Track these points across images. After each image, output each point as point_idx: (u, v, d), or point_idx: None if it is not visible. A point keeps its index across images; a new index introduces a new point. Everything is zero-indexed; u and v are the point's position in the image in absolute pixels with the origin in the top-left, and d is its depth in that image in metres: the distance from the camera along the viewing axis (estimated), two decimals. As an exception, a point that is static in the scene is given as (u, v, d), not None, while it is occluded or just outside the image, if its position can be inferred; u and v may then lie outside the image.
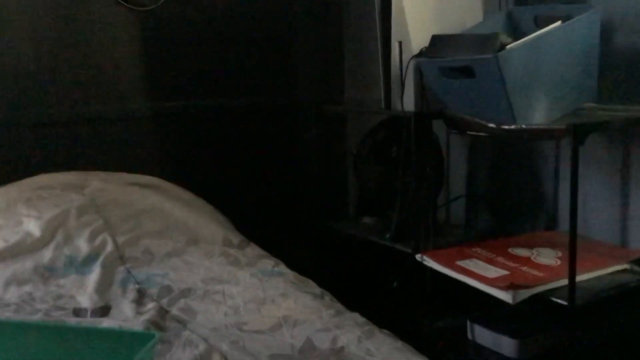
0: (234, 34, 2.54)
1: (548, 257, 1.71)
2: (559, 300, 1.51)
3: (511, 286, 1.51)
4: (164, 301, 1.57)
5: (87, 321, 1.45)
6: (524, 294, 1.50)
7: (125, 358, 0.89)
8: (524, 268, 1.64)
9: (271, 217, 2.57)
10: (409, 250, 1.84)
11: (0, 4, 2.14)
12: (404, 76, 1.78)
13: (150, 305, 1.54)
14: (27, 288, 1.61)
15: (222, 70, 2.52)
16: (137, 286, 1.64)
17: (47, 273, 1.67)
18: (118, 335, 1.01)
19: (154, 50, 2.41)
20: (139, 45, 2.38)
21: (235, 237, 2.03)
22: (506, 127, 1.53)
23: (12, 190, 2.02)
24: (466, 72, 1.53)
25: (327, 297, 1.62)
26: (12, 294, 1.58)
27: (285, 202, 2.65)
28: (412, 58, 1.75)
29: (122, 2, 2.31)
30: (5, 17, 2.16)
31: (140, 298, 1.58)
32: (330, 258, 2.26)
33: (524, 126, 1.52)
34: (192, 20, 2.46)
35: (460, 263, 1.67)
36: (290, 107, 2.66)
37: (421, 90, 1.75)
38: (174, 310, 1.52)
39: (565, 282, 1.50)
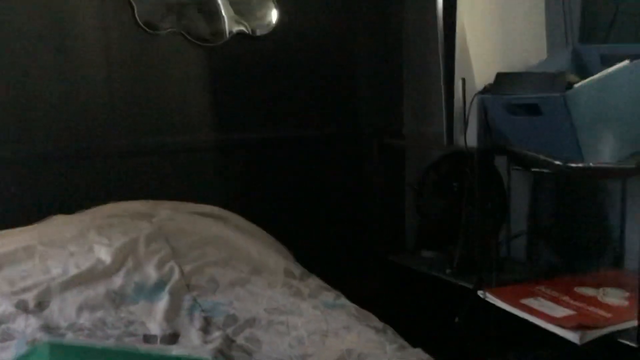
0: (296, 69, 2.60)
1: (615, 297, 1.68)
2: (627, 342, 1.48)
3: (579, 326, 1.49)
4: (230, 330, 1.60)
5: (157, 348, 1.49)
6: (592, 334, 1.48)
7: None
8: (591, 308, 1.61)
9: (330, 248, 2.59)
10: (471, 286, 1.83)
11: (76, 41, 2.26)
12: (467, 112, 1.80)
13: (217, 333, 1.57)
14: (99, 314, 1.66)
15: (284, 103, 2.58)
16: (203, 314, 1.68)
17: (118, 299, 1.72)
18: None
19: (220, 84, 2.49)
20: (206, 79, 2.46)
21: (296, 268, 2.05)
22: (573, 165, 1.53)
23: (84, 218, 2.10)
24: (532, 109, 1.53)
25: (389, 331, 1.62)
26: (85, 319, 1.63)
27: (344, 234, 2.67)
28: (476, 94, 1.77)
29: (190, 39, 2.41)
30: (81, 53, 2.27)
31: (207, 326, 1.62)
32: (389, 291, 2.26)
33: (591, 164, 1.51)
34: (256, 56, 2.53)
35: (524, 301, 1.66)
36: (351, 140, 2.69)
37: (485, 126, 1.76)
38: (240, 340, 1.54)
39: (634, 323, 1.47)
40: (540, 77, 1.56)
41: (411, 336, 1.58)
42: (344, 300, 1.81)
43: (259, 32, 2.52)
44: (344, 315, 1.68)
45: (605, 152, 1.53)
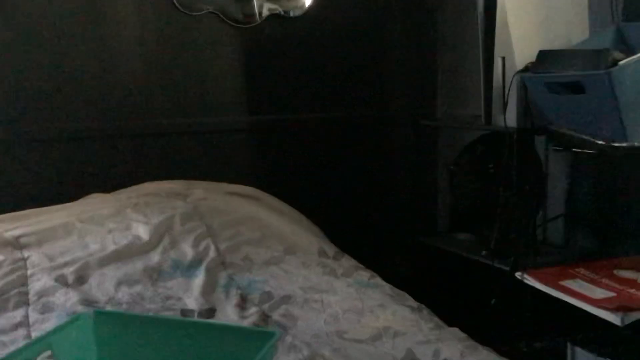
0: (330, 50, 2.58)
1: (657, 281, 1.65)
2: (669, 326, 1.46)
3: (620, 308, 1.46)
4: (265, 306, 1.61)
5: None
6: (634, 316, 1.45)
7: (247, 353, 0.93)
8: (632, 290, 1.59)
9: (362, 230, 2.58)
10: (508, 268, 1.81)
11: (112, 21, 2.27)
12: (507, 92, 1.77)
13: (253, 309, 1.58)
14: (137, 288, 1.68)
15: (318, 84, 2.57)
16: (239, 291, 1.69)
17: (155, 275, 1.74)
18: (238, 331, 1.05)
19: (253, 65, 2.48)
20: (240, 60, 2.46)
21: (330, 248, 2.06)
22: (617, 144, 1.50)
23: (120, 196, 2.12)
24: (575, 88, 1.50)
25: (425, 310, 1.62)
26: (124, 294, 1.66)
27: (376, 216, 2.65)
28: (516, 73, 1.74)
29: (225, 20, 2.41)
30: (117, 33, 2.28)
31: (243, 302, 1.63)
32: (422, 273, 2.25)
33: (636, 144, 1.48)
34: (290, 37, 2.52)
35: (563, 283, 1.63)
36: (384, 121, 2.67)
37: (525, 105, 1.73)
38: (275, 316, 1.55)
39: (676, 306, 1.44)
40: (585, 54, 1.53)
41: (446, 317, 1.57)
42: (378, 280, 1.81)
43: (292, 14, 2.52)
44: (378, 294, 1.68)
45: (650, 132, 1.50)
